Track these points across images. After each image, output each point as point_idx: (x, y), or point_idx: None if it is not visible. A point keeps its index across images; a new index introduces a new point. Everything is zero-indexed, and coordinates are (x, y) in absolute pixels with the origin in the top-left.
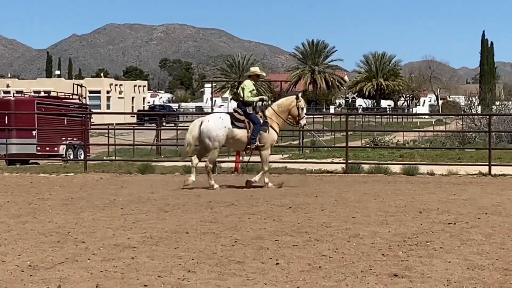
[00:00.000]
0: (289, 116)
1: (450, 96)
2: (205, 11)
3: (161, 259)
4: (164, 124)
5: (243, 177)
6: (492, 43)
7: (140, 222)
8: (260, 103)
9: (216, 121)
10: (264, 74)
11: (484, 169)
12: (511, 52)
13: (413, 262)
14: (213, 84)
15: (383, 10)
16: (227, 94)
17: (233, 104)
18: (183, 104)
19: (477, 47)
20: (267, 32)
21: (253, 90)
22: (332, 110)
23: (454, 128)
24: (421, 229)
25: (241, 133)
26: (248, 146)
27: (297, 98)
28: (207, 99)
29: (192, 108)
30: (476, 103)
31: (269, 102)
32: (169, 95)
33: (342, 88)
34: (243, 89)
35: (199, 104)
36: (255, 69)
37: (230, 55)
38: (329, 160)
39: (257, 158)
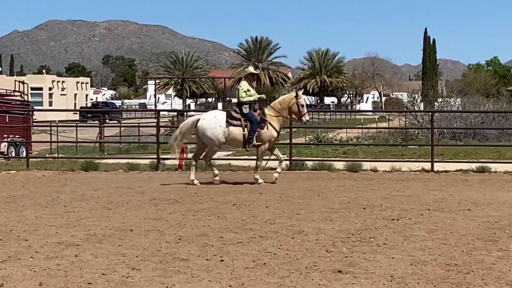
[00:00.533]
0: (291, 113)
1: (393, 93)
2: (148, 7)
3: (105, 256)
4: (107, 121)
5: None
6: (434, 40)
7: (84, 220)
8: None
9: (211, 120)
10: (259, 71)
11: (427, 166)
12: (453, 49)
13: (357, 258)
14: (157, 81)
15: (327, 7)
16: (170, 91)
17: (177, 101)
18: (126, 101)
19: (419, 44)
20: (210, 29)
21: (249, 90)
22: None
23: (397, 124)
24: (364, 226)
25: (237, 131)
26: (246, 145)
27: (296, 96)
28: (150, 96)
29: (135, 105)
30: (418, 100)
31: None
32: (112, 92)
33: (285, 85)
34: (238, 90)
35: (142, 101)
36: (249, 69)
37: (174, 52)
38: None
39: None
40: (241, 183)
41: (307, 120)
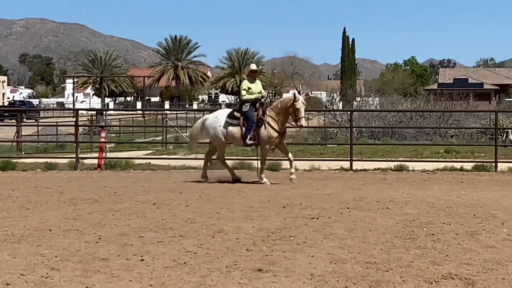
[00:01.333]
0: (288, 115)
1: (312, 92)
2: (66, 5)
3: (23, 257)
4: (24, 120)
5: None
6: (353, 40)
7: (1, 220)
8: (262, 100)
9: (212, 120)
10: (259, 68)
11: (346, 164)
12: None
13: (277, 257)
14: (75, 80)
15: (246, 6)
16: (89, 90)
17: (96, 99)
18: (44, 99)
19: (338, 43)
20: (129, 28)
21: (250, 88)
22: (195, 106)
23: (316, 124)
24: (284, 224)
25: (235, 130)
26: (245, 143)
27: (294, 98)
28: (68, 94)
29: (53, 104)
30: (337, 99)
31: (269, 99)
32: (29, 91)
33: (205, 84)
34: (239, 88)
35: (60, 99)
36: (250, 66)
37: (92, 51)
38: (193, 156)
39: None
40: (250, 183)
41: (301, 125)
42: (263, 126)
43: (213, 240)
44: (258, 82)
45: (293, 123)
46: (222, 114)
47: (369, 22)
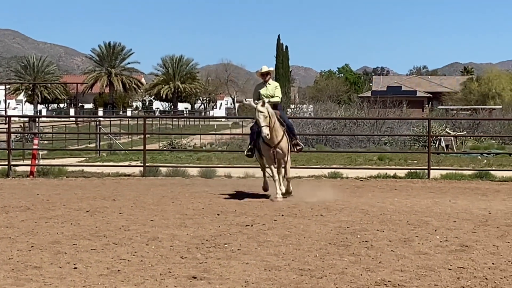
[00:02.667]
0: None
1: (247, 99)
2: None
3: None
4: None
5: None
6: (287, 47)
7: None
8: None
9: None
10: (267, 69)
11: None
12: (306, 56)
13: (212, 264)
14: (7, 86)
15: (181, 13)
16: (21, 96)
17: (28, 106)
18: None
19: (273, 51)
20: (62, 34)
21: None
22: (129, 113)
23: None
24: (219, 232)
25: None
26: None
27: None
28: (0, 101)
29: None
30: None
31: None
32: None
33: (139, 90)
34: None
35: None
36: (262, 68)
37: (25, 57)
38: (127, 163)
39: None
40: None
41: (265, 135)
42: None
43: (147, 247)
44: (270, 84)
45: None
46: None
47: (303, 29)
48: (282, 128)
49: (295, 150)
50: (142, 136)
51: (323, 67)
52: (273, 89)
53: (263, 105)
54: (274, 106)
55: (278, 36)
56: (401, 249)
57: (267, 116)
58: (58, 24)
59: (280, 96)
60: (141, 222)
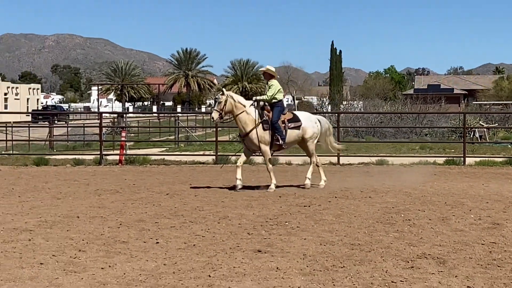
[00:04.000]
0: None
1: (305, 97)
2: (92, 22)
3: (55, 240)
4: (56, 122)
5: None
6: (340, 51)
7: (36, 208)
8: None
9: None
10: (263, 69)
11: (334, 159)
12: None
13: (274, 240)
14: (99, 87)
15: (248, 22)
16: (111, 96)
17: (117, 104)
18: (72, 104)
19: (327, 55)
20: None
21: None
22: (203, 110)
23: None
24: (280, 211)
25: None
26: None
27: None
28: (94, 100)
29: (80, 108)
30: (327, 103)
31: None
32: (60, 97)
33: (212, 90)
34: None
35: (87, 104)
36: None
37: (114, 62)
38: (201, 152)
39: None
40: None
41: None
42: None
43: (218, 225)
44: (267, 84)
45: None
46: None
47: (354, 36)
48: (254, 122)
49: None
50: (215, 129)
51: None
52: (267, 88)
53: (222, 94)
54: (271, 104)
55: (332, 42)
56: (440, 226)
57: (221, 102)
58: (142, 33)
59: (270, 94)
60: (214, 203)
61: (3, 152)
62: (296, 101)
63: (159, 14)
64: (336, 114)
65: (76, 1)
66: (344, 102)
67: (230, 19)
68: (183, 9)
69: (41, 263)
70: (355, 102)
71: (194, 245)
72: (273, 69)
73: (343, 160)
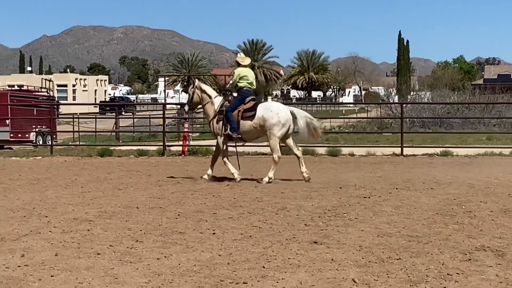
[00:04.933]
0: None
1: (372, 88)
2: (160, 14)
3: (113, 230)
4: (123, 113)
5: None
6: (408, 41)
7: (97, 199)
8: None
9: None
10: (244, 61)
11: (397, 150)
12: (426, 49)
13: (331, 231)
14: (166, 78)
15: (314, 12)
16: (178, 87)
17: (184, 95)
18: (140, 95)
19: (395, 44)
20: (214, 32)
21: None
22: (269, 100)
23: (375, 115)
24: (339, 203)
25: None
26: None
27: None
28: (161, 91)
29: (147, 99)
30: (393, 94)
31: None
32: (127, 88)
33: (278, 81)
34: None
35: (154, 95)
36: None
37: (181, 53)
38: (265, 143)
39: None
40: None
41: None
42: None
43: (276, 216)
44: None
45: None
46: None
47: (422, 25)
48: (213, 113)
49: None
50: None
51: (441, 58)
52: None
53: (192, 86)
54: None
55: (399, 31)
56: (501, 218)
57: (189, 94)
58: (210, 24)
59: (231, 82)
60: (273, 194)
61: (70, 143)
62: (363, 92)
63: (227, 5)
64: (400, 105)
65: None
66: (412, 93)
67: (297, 9)
68: (251, 0)
69: (98, 253)
70: (423, 92)
71: (250, 236)
72: (240, 56)
73: (407, 151)
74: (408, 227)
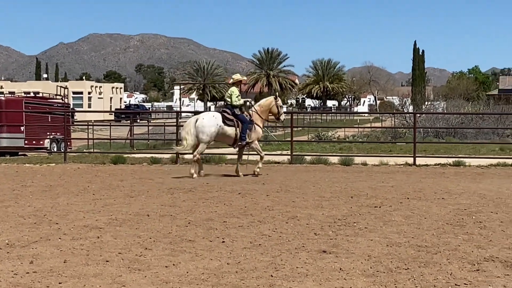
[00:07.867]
0: (270, 113)
1: (387, 97)
2: (176, 22)
3: (123, 238)
4: (138, 121)
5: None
6: (423, 51)
7: (108, 206)
8: (247, 103)
9: (210, 118)
10: (245, 78)
11: (410, 160)
12: (441, 59)
13: (340, 240)
14: (182, 86)
15: (329, 22)
16: (193, 95)
17: (199, 104)
18: (156, 103)
19: (410, 54)
20: (230, 41)
21: (238, 95)
22: (284, 109)
23: (390, 125)
24: (350, 212)
25: (231, 130)
26: (239, 143)
27: (275, 98)
28: (176, 99)
29: (163, 107)
30: (408, 103)
31: (253, 103)
32: (143, 96)
33: (293, 90)
34: (230, 95)
35: (169, 103)
36: (237, 76)
37: (197, 61)
38: (279, 152)
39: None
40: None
41: (284, 119)
42: (254, 126)
43: (286, 225)
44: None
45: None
46: (217, 115)
47: (438, 35)
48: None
49: None
50: (289, 129)
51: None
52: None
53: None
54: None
55: (415, 41)
56: (511, 229)
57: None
58: (226, 33)
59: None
60: (284, 203)
61: (84, 150)
62: (378, 101)
63: (243, 14)
64: (413, 115)
65: (161, 1)
66: (427, 103)
67: (313, 19)
68: (267, 10)
69: (106, 261)
70: (438, 102)
71: (259, 244)
72: (235, 77)
73: (419, 161)
74: (418, 237)
